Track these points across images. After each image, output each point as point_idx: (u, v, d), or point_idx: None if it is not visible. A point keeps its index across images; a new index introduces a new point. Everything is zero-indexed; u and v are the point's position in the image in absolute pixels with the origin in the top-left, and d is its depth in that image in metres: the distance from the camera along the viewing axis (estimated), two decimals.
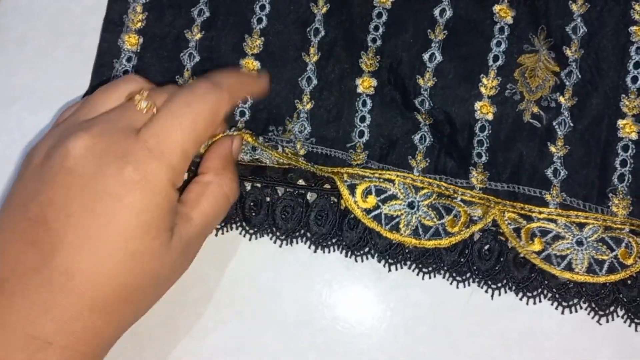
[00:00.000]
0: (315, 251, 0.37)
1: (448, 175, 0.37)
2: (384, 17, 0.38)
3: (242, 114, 0.38)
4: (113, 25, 0.39)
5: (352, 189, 0.36)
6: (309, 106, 0.38)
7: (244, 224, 0.37)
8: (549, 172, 0.37)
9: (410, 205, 0.36)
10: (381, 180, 0.36)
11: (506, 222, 0.36)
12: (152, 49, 0.39)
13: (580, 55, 0.38)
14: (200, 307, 0.37)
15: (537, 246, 0.36)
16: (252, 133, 0.36)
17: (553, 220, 0.36)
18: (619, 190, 0.36)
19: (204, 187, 0.33)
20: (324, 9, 0.39)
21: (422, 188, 0.36)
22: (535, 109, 0.37)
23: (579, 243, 0.36)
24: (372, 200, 0.36)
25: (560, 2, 0.38)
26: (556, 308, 0.36)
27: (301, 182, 0.37)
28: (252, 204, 0.37)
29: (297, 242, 0.37)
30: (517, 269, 0.36)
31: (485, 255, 0.36)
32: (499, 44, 0.38)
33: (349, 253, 0.37)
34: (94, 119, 0.31)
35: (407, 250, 0.36)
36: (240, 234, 0.37)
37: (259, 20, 0.39)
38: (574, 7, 0.38)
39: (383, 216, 0.36)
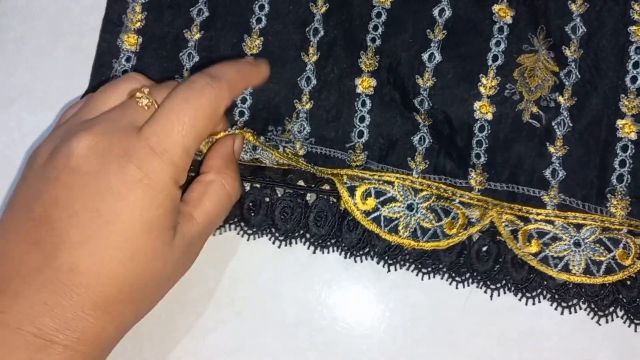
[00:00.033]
0: (314, 252, 0.37)
1: (447, 175, 0.37)
2: (384, 17, 0.38)
3: (242, 114, 0.38)
4: (112, 25, 0.39)
5: (351, 190, 0.36)
6: (308, 106, 0.38)
7: (242, 224, 0.37)
8: (547, 172, 0.37)
9: (410, 208, 0.36)
10: (381, 182, 0.36)
11: (503, 224, 0.36)
12: (151, 49, 0.39)
13: (580, 55, 0.37)
14: (200, 307, 0.37)
15: (534, 248, 0.36)
16: (253, 132, 0.36)
17: (550, 221, 0.36)
18: (618, 191, 0.36)
19: (206, 186, 0.33)
20: (323, 9, 0.39)
21: (421, 190, 0.36)
22: (535, 109, 0.37)
23: (577, 244, 0.36)
24: (371, 202, 0.36)
25: (559, 1, 0.38)
26: (555, 309, 0.36)
27: (301, 183, 0.37)
28: (251, 204, 0.37)
29: (296, 243, 0.37)
30: (516, 270, 0.36)
31: (483, 257, 0.36)
32: (498, 43, 0.38)
33: (348, 254, 0.37)
34: (95, 118, 0.31)
35: (406, 252, 0.37)
36: (238, 234, 0.37)
37: (258, 20, 0.39)
38: (573, 7, 0.38)
39: (382, 218, 0.36)
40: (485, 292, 0.37)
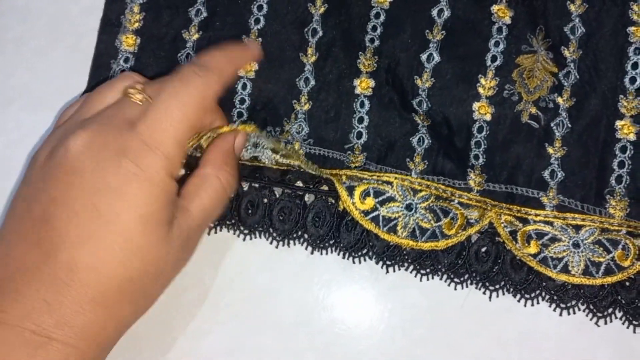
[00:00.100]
0: (312, 253, 0.37)
1: (446, 176, 0.37)
2: (382, 18, 0.38)
3: (240, 114, 0.38)
4: (110, 26, 0.39)
5: (350, 190, 0.36)
6: (306, 107, 0.38)
7: (240, 224, 0.37)
8: (546, 173, 0.37)
9: (408, 208, 0.36)
10: (379, 182, 0.36)
11: (502, 225, 0.36)
12: (149, 50, 0.39)
13: (579, 56, 0.37)
14: (198, 308, 0.37)
15: (533, 249, 0.35)
16: (256, 125, 0.36)
17: (549, 222, 0.36)
18: (617, 192, 0.36)
19: (202, 180, 0.33)
20: (322, 9, 0.39)
21: (420, 190, 0.36)
22: (534, 110, 0.37)
23: (575, 245, 0.36)
24: (370, 202, 0.36)
25: (558, 2, 0.38)
26: (554, 310, 0.36)
27: (299, 183, 0.37)
28: (249, 204, 0.37)
29: (294, 244, 0.37)
30: (515, 271, 0.36)
31: (482, 257, 0.36)
32: (497, 44, 0.38)
33: (347, 255, 0.37)
34: (91, 117, 0.32)
35: (404, 252, 0.36)
36: (234, 234, 0.37)
37: (257, 21, 0.39)
38: (572, 8, 0.38)
39: (381, 218, 0.36)
40: (484, 293, 0.37)
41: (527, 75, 0.37)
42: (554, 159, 0.37)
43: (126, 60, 0.39)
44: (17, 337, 0.27)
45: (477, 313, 0.37)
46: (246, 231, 0.37)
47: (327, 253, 0.37)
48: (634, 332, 0.36)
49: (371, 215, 0.36)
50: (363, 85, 0.38)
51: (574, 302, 0.36)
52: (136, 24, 0.39)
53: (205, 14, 0.39)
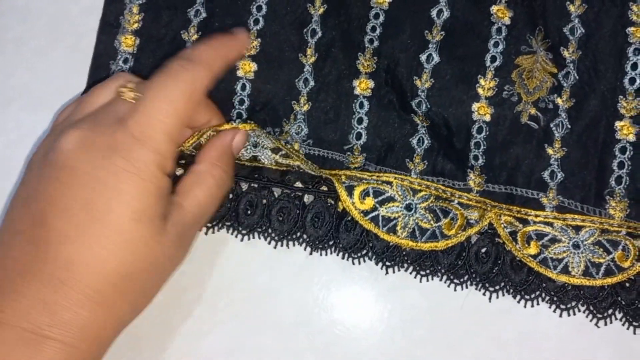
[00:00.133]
0: (311, 253, 0.37)
1: (446, 177, 0.37)
2: (381, 18, 0.38)
3: (239, 115, 0.38)
4: (109, 27, 0.39)
5: (350, 190, 0.36)
6: (306, 107, 0.38)
7: (239, 224, 0.37)
8: (545, 174, 0.36)
9: (408, 208, 0.36)
10: (379, 182, 0.36)
11: (502, 226, 0.36)
12: (148, 50, 0.39)
13: (578, 57, 0.37)
14: (197, 308, 0.37)
15: (533, 249, 0.35)
16: (257, 124, 0.35)
17: (549, 223, 0.36)
18: (617, 193, 0.36)
19: (196, 176, 0.33)
20: (321, 10, 0.39)
21: (420, 190, 0.36)
22: (533, 111, 0.37)
23: (576, 246, 0.35)
24: (369, 202, 0.36)
25: (557, 3, 0.38)
26: (554, 311, 0.36)
27: (298, 184, 0.37)
28: (248, 204, 0.37)
29: (293, 245, 0.37)
30: (515, 272, 0.36)
31: (482, 258, 0.36)
32: (496, 44, 0.38)
33: (346, 255, 0.37)
34: (84, 117, 0.32)
35: (404, 253, 0.36)
36: (233, 234, 0.37)
37: (256, 22, 0.39)
38: (571, 8, 0.38)
39: (380, 218, 0.36)
40: (484, 294, 0.36)
41: (527, 75, 0.37)
42: (553, 160, 0.37)
43: (125, 60, 0.39)
44: (15, 337, 0.27)
45: (477, 314, 0.37)
46: (245, 232, 0.37)
47: (326, 254, 0.37)
48: (634, 333, 0.36)
49: (371, 215, 0.36)
50: (362, 86, 0.38)
51: (574, 303, 0.36)
52: (135, 25, 0.39)
53: (204, 15, 0.39)
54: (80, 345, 0.28)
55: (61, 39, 0.41)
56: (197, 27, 0.39)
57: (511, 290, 0.36)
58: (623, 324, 0.36)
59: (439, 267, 0.36)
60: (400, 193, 0.36)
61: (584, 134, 0.37)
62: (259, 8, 0.39)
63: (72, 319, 0.28)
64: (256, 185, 0.37)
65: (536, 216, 0.36)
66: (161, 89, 0.31)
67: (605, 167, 0.36)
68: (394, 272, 0.37)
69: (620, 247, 0.35)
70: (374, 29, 0.38)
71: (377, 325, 0.37)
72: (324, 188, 0.37)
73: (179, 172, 0.36)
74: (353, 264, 0.37)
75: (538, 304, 0.36)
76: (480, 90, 0.37)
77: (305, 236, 0.37)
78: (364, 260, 0.37)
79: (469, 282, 0.36)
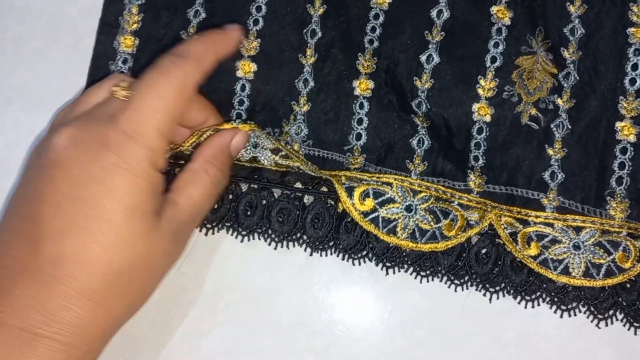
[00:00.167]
0: (311, 254, 0.37)
1: (446, 178, 0.37)
2: (381, 19, 0.38)
3: (239, 115, 0.38)
4: (109, 27, 0.39)
5: (350, 191, 0.36)
6: (305, 108, 0.38)
7: (238, 225, 0.37)
8: (546, 175, 0.36)
9: (408, 209, 0.36)
10: (379, 183, 0.36)
11: (502, 227, 0.36)
12: (148, 51, 0.39)
13: (578, 57, 0.37)
14: (197, 309, 0.37)
15: (533, 250, 0.35)
16: (257, 125, 0.35)
17: (550, 224, 0.36)
18: (617, 193, 0.36)
19: (191, 174, 0.33)
20: (321, 10, 0.39)
21: (420, 192, 0.36)
22: (533, 111, 0.37)
23: (576, 247, 0.35)
24: (369, 203, 0.36)
25: (557, 3, 0.38)
26: (555, 312, 0.36)
27: (298, 185, 0.37)
28: (247, 205, 0.37)
29: (293, 245, 0.37)
30: (515, 273, 0.36)
31: (482, 259, 0.36)
32: (496, 45, 0.38)
33: (346, 256, 0.37)
34: (78, 115, 0.32)
35: (404, 254, 0.36)
36: (233, 235, 0.37)
37: (256, 22, 0.38)
38: (571, 9, 0.38)
39: (380, 219, 0.36)
40: (484, 294, 0.36)
41: (527, 76, 0.37)
42: (554, 161, 0.37)
43: (124, 61, 0.39)
44: (9, 336, 0.27)
45: (477, 315, 0.37)
46: (245, 232, 0.37)
47: (326, 254, 0.37)
48: (635, 334, 0.36)
49: (371, 217, 0.36)
50: (362, 87, 0.38)
51: (574, 304, 0.36)
52: (135, 25, 0.39)
53: (203, 15, 0.39)
54: (75, 343, 0.28)
55: (60, 40, 0.40)
56: (196, 28, 0.39)
57: (511, 291, 0.36)
58: (624, 325, 0.36)
59: (439, 268, 0.36)
60: (400, 194, 0.36)
61: (584, 134, 0.37)
62: (259, 8, 0.39)
63: (66, 316, 0.28)
64: (256, 186, 0.37)
65: (536, 217, 0.36)
66: (152, 85, 0.31)
67: (605, 167, 0.36)
68: (394, 272, 0.37)
69: (621, 247, 0.35)
70: (373, 29, 0.38)
71: (377, 325, 0.37)
72: (324, 189, 0.37)
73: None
74: (353, 264, 0.37)
75: (539, 304, 0.36)
76: (480, 91, 0.37)
77: (305, 237, 0.37)
78: (364, 261, 0.37)
79: (469, 283, 0.36)
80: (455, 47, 0.38)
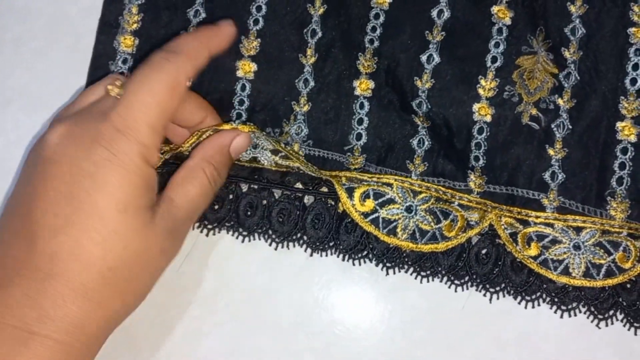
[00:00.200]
0: (311, 254, 0.37)
1: (446, 178, 0.37)
2: (382, 18, 0.38)
3: (239, 115, 0.38)
4: (108, 27, 0.39)
5: (350, 192, 0.36)
6: (306, 108, 0.38)
7: (239, 225, 0.37)
8: (546, 175, 0.36)
9: (408, 210, 0.36)
10: (379, 184, 0.36)
11: (503, 227, 0.36)
12: (148, 51, 0.38)
13: (579, 57, 0.37)
14: (197, 309, 0.37)
15: (533, 251, 0.35)
16: (256, 126, 0.35)
17: (550, 224, 0.36)
18: (618, 194, 0.36)
19: (188, 171, 0.33)
20: (321, 10, 0.38)
21: (420, 192, 0.36)
22: (534, 111, 0.37)
23: (576, 247, 0.35)
24: (370, 203, 0.36)
25: (558, 3, 0.37)
26: (555, 312, 0.36)
27: (298, 185, 0.37)
28: (248, 205, 0.37)
29: (293, 246, 0.37)
30: (515, 273, 0.36)
31: (482, 259, 0.36)
32: (497, 45, 0.37)
33: (346, 257, 0.37)
34: (72, 113, 0.32)
35: (404, 254, 0.36)
36: (233, 235, 0.37)
37: (256, 22, 0.38)
38: (572, 9, 0.38)
39: (381, 220, 0.36)
40: (485, 295, 0.36)
41: (528, 76, 0.37)
42: (554, 161, 0.37)
43: (124, 61, 0.39)
44: (3, 334, 0.27)
45: (476, 315, 0.37)
46: (245, 233, 0.37)
47: (326, 255, 0.37)
48: (635, 334, 0.36)
49: (371, 217, 0.36)
50: (363, 87, 0.38)
51: (574, 304, 0.36)
52: (134, 25, 0.39)
53: (203, 15, 0.39)
54: (70, 341, 0.28)
55: (60, 40, 0.40)
56: (196, 28, 0.39)
57: (512, 291, 0.36)
58: (624, 325, 0.36)
59: (439, 269, 0.36)
60: (400, 195, 0.36)
61: (585, 134, 0.37)
62: (259, 8, 0.38)
63: (56, 312, 0.28)
64: (256, 187, 0.37)
65: (537, 217, 0.36)
66: (143, 81, 0.31)
67: (606, 167, 0.36)
68: (394, 273, 0.37)
69: (621, 248, 0.35)
70: (374, 29, 0.38)
71: (377, 325, 0.37)
72: (324, 189, 0.37)
73: None
74: (353, 264, 0.37)
75: (539, 304, 0.36)
76: (481, 91, 0.37)
77: (305, 237, 0.37)
78: (364, 262, 0.37)
79: (469, 283, 0.36)
80: (455, 47, 0.37)
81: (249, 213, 0.37)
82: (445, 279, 0.36)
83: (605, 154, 0.36)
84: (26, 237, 0.29)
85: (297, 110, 0.38)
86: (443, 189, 0.36)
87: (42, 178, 0.29)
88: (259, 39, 0.38)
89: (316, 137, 0.38)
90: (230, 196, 0.37)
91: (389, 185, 0.36)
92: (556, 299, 0.36)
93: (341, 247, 0.36)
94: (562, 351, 0.36)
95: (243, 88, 0.38)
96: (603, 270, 0.35)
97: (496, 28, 0.38)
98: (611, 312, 0.36)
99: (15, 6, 0.41)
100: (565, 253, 0.35)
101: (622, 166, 0.36)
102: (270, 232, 0.37)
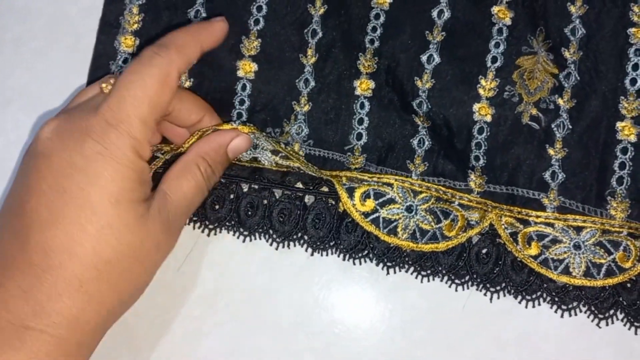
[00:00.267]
0: (312, 254, 0.37)
1: (447, 177, 0.37)
2: (382, 19, 0.38)
3: (240, 115, 0.38)
4: (109, 27, 0.39)
5: (350, 192, 0.36)
6: (306, 108, 0.38)
7: (239, 225, 0.37)
8: (547, 175, 0.36)
9: (409, 209, 0.36)
10: (380, 184, 0.36)
11: (503, 227, 0.36)
12: None
13: (579, 57, 0.37)
14: (197, 309, 0.37)
15: (533, 250, 0.35)
16: (256, 127, 0.35)
17: (550, 224, 0.36)
18: (618, 193, 0.36)
19: (183, 166, 0.33)
20: (322, 10, 0.38)
21: (421, 192, 0.36)
22: (534, 111, 0.37)
23: (577, 247, 0.35)
24: (370, 203, 0.36)
25: (558, 3, 0.38)
26: (555, 311, 0.36)
27: (299, 185, 0.37)
28: (248, 205, 0.37)
29: (294, 245, 0.37)
30: (516, 273, 0.36)
31: (483, 259, 0.36)
32: (497, 45, 0.38)
33: (347, 256, 0.37)
34: (66, 110, 0.33)
35: (405, 254, 0.36)
36: (234, 235, 0.37)
37: (256, 22, 0.38)
38: (572, 9, 0.38)
39: (381, 220, 0.36)
40: (485, 294, 0.36)
41: (528, 76, 0.37)
42: (554, 160, 0.37)
43: (125, 61, 0.39)
44: None
45: (477, 314, 0.37)
46: (246, 233, 0.37)
47: (327, 255, 0.37)
48: (635, 333, 0.36)
49: (371, 217, 0.36)
50: (363, 87, 0.38)
51: (575, 304, 0.36)
52: (135, 25, 0.39)
53: (204, 15, 0.39)
54: (65, 335, 0.28)
55: (60, 40, 0.40)
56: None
57: (512, 291, 0.36)
58: (624, 325, 0.36)
59: (440, 268, 0.36)
60: (400, 195, 0.36)
61: (585, 134, 0.37)
62: (259, 8, 0.39)
63: (55, 307, 0.28)
64: (257, 187, 0.37)
65: (537, 217, 0.36)
66: (134, 75, 0.31)
67: (606, 167, 0.36)
68: (394, 272, 0.37)
69: (622, 247, 0.35)
70: (374, 29, 0.38)
71: (377, 325, 0.37)
72: (325, 189, 0.37)
73: None
74: (354, 264, 0.37)
75: (539, 304, 0.36)
76: (481, 91, 0.37)
77: (306, 237, 0.37)
78: (365, 261, 0.37)
79: (469, 283, 0.36)
80: (456, 47, 0.38)
81: (249, 213, 0.37)
82: (445, 278, 0.36)
83: (605, 153, 0.37)
84: (20, 232, 0.29)
85: (297, 110, 0.38)
86: (443, 188, 0.36)
87: (35, 173, 0.30)
88: (259, 39, 0.38)
89: (317, 137, 0.38)
90: (231, 196, 0.37)
91: (390, 185, 0.36)
92: (556, 299, 0.36)
93: (342, 246, 0.36)
94: (562, 351, 0.36)
95: (243, 88, 0.38)
96: (603, 269, 0.35)
97: (496, 28, 0.38)
98: (611, 312, 0.36)
99: (15, 6, 0.41)
100: (565, 252, 0.35)
101: (622, 166, 0.36)
102: (271, 231, 0.37)
